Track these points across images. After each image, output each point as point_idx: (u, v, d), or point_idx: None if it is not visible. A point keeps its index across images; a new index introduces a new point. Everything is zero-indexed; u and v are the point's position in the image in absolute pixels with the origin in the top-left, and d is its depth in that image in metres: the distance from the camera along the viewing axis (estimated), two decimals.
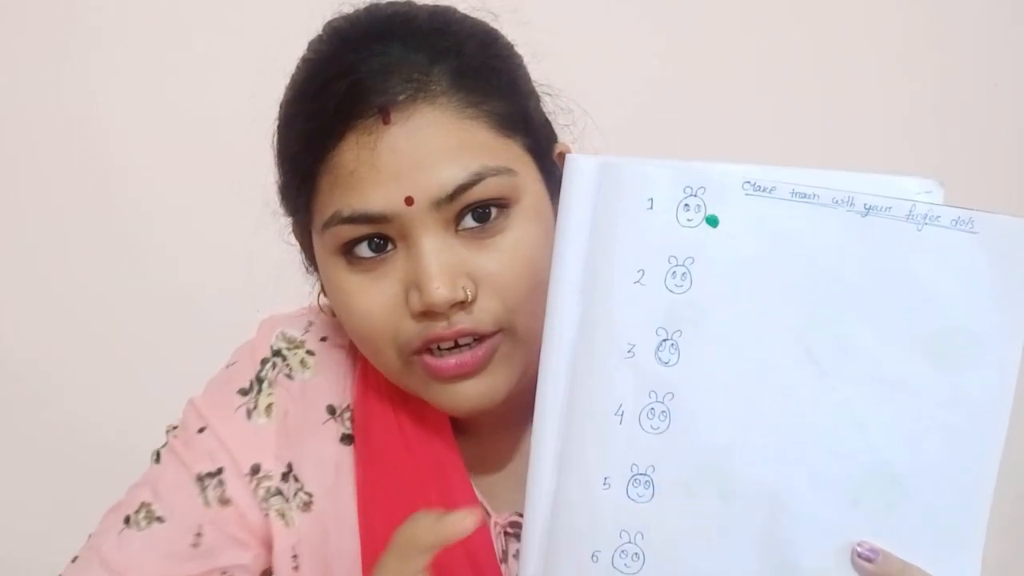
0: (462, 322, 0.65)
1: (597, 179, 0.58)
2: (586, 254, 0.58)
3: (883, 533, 0.59)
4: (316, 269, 0.74)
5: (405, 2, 0.71)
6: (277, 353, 0.79)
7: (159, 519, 0.74)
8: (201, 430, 0.77)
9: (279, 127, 0.71)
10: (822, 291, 0.58)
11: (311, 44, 0.71)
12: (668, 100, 1.45)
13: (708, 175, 0.57)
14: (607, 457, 0.59)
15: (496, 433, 0.76)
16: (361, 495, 0.74)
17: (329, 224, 0.65)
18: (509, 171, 0.66)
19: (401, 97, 0.64)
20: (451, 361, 0.66)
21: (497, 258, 0.66)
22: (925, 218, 0.57)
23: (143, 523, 0.74)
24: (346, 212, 0.64)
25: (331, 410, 0.77)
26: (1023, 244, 0.56)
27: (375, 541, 0.71)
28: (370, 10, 0.70)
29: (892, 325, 0.58)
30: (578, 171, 0.58)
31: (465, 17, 0.72)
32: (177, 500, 0.75)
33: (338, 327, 0.79)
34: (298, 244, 0.77)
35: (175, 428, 0.79)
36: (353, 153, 0.64)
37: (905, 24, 1.49)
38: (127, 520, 0.75)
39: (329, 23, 0.71)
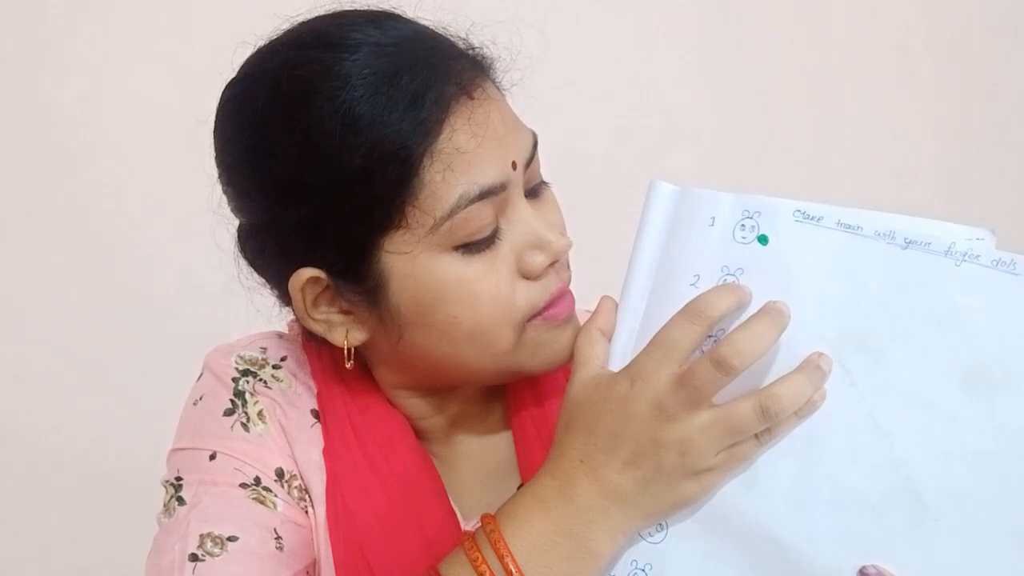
0: (563, 273, 0.72)
1: (674, 201, 0.69)
2: (656, 260, 0.69)
3: (905, 551, 0.61)
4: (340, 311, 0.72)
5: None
6: (245, 372, 0.77)
7: (231, 538, 0.69)
8: (213, 456, 0.73)
9: (318, 153, 0.65)
10: (860, 310, 0.63)
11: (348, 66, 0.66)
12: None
13: (765, 203, 0.66)
14: None
15: (460, 439, 0.80)
16: (330, 508, 0.74)
17: (456, 210, 0.65)
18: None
19: (467, 74, 0.68)
20: (565, 301, 0.72)
21: (549, 213, 0.74)
22: (964, 255, 0.62)
23: (216, 550, 0.68)
24: (474, 191, 0.65)
25: (315, 414, 0.78)
26: None
27: (346, 546, 0.73)
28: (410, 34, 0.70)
29: (927, 350, 0.61)
30: (658, 194, 0.69)
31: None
32: (237, 515, 0.70)
33: (291, 351, 0.80)
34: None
35: (178, 480, 0.73)
36: (450, 135, 0.65)
37: (905, 25, 1.50)
38: (193, 557, 0.68)
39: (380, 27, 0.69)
